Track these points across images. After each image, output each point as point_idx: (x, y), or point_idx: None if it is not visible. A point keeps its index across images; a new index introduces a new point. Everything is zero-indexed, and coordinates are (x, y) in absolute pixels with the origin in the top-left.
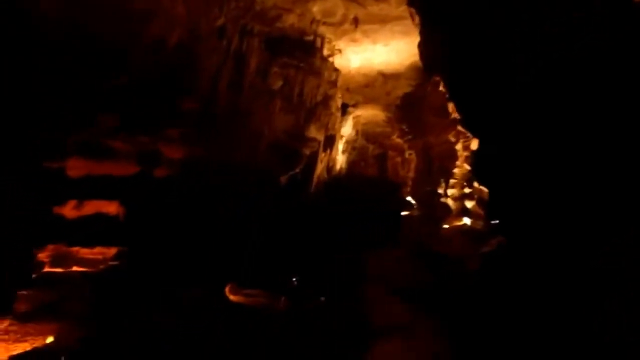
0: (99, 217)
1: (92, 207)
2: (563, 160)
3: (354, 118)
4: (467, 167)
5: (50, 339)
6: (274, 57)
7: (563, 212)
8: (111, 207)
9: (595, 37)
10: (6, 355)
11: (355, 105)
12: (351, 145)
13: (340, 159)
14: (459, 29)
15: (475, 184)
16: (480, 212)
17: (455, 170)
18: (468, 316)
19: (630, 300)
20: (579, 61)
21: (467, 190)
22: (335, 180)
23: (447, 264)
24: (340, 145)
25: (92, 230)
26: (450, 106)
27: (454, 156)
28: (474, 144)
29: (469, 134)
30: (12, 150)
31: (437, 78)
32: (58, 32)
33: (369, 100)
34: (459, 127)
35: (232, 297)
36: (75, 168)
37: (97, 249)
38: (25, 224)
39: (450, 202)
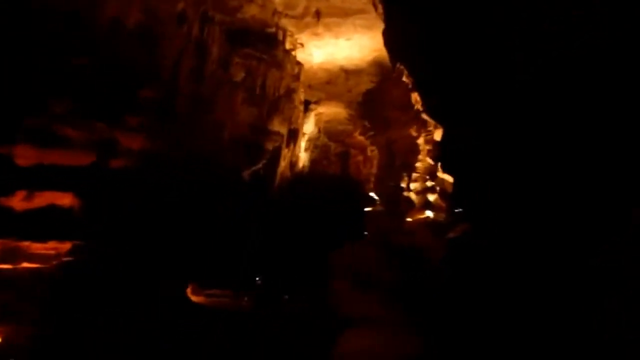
0: (52, 209)
1: (44, 198)
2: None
3: (316, 115)
4: (429, 161)
5: None
6: (236, 48)
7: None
8: (65, 199)
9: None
10: None
11: (317, 102)
12: (313, 143)
13: (303, 157)
14: (425, 15)
15: (440, 174)
16: (442, 204)
17: (418, 165)
18: (434, 305)
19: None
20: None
21: (429, 183)
22: (298, 178)
23: (412, 256)
24: (303, 143)
25: (44, 224)
26: (414, 96)
27: (415, 150)
28: (438, 135)
29: (430, 128)
30: None
31: (401, 67)
32: (5, 5)
33: (331, 97)
34: (424, 116)
35: (194, 298)
36: (25, 156)
37: (51, 244)
38: None
39: (413, 196)
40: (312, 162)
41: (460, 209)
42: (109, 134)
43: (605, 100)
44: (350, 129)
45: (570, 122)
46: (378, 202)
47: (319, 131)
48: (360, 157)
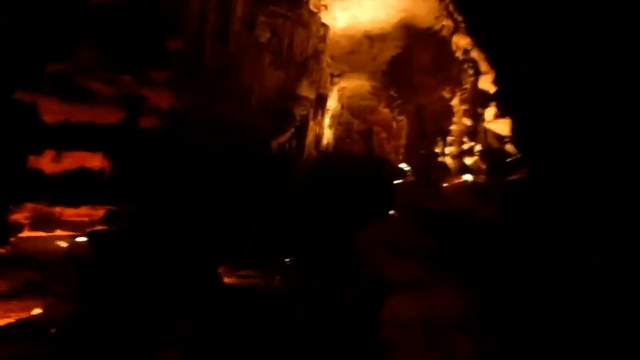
0: (82, 172)
1: (73, 159)
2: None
3: (338, 91)
4: (465, 122)
5: (37, 311)
6: (260, 5)
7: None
8: (95, 161)
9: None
10: None
11: (340, 75)
12: (337, 121)
13: (327, 134)
14: None
15: (487, 124)
16: (482, 166)
17: (452, 127)
18: (485, 268)
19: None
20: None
21: (465, 146)
22: (322, 156)
23: (451, 220)
24: (327, 120)
25: (75, 188)
26: (459, 41)
27: (449, 113)
28: (486, 81)
29: (467, 85)
30: None
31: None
32: None
33: (354, 69)
34: (474, 54)
35: (226, 279)
36: (51, 111)
37: (83, 209)
38: None
39: (448, 160)
40: (336, 140)
41: (517, 156)
42: (136, 89)
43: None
44: (373, 104)
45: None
46: (409, 173)
47: (342, 107)
48: (384, 134)
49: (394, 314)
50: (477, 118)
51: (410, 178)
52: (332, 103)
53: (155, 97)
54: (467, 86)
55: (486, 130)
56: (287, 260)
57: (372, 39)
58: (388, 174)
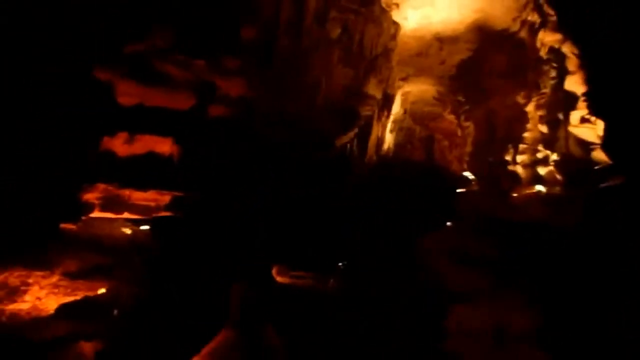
0: (152, 157)
1: (143, 143)
2: None
3: (402, 95)
4: (541, 129)
5: (102, 290)
6: (333, 0)
7: None
8: (164, 146)
9: None
10: (56, 305)
11: (405, 79)
12: (398, 126)
13: (388, 138)
14: None
15: (572, 128)
16: (559, 177)
17: (526, 135)
18: (559, 280)
19: None
20: None
21: (540, 155)
22: (383, 161)
23: (524, 230)
24: (389, 124)
25: (144, 172)
26: (545, 37)
27: (523, 119)
28: (574, 81)
29: (545, 90)
30: (59, 57)
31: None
32: None
33: (420, 72)
34: (565, 49)
35: (279, 279)
36: (127, 94)
37: (150, 193)
38: (73, 155)
39: (519, 169)
40: (397, 146)
41: (610, 162)
42: (209, 75)
43: None
44: (437, 110)
45: None
46: (473, 182)
47: (405, 112)
48: (446, 142)
49: (460, 324)
50: (556, 125)
51: (475, 187)
52: (395, 107)
53: (226, 86)
54: (546, 90)
55: (568, 137)
56: (340, 264)
57: (442, 40)
58: (449, 183)
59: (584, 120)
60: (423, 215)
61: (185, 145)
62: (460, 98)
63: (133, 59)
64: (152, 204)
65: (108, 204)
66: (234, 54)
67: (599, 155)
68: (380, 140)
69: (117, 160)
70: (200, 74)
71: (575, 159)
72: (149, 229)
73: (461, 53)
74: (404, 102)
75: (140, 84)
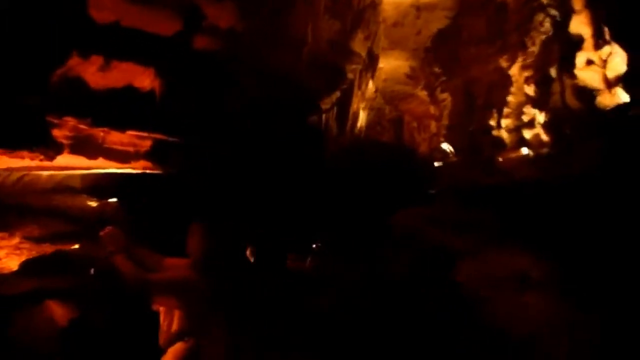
0: (130, 91)
1: (121, 73)
2: None
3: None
4: (527, 91)
5: (76, 246)
6: None
7: None
8: (145, 78)
9: None
10: (17, 263)
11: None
12: (369, 104)
13: (362, 117)
14: None
15: (578, 71)
16: (545, 139)
17: (510, 99)
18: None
19: None
20: None
21: (525, 118)
22: (355, 141)
23: (516, 191)
24: (367, 93)
25: (121, 109)
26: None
27: (506, 84)
28: (579, 22)
29: (532, 49)
30: None
31: None
32: None
33: (394, 45)
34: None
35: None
36: (103, 7)
37: (128, 135)
38: (33, 80)
39: (504, 134)
40: (367, 126)
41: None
42: None
43: None
44: (407, 90)
45: None
46: (451, 154)
47: (376, 90)
48: (415, 124)
49: (469, 276)
50: (547, 82)
51: (454, 159)
52: (370, 85)
53: (214, 12)
54: (534, 48)
55: (563, 91)
56: (315, 244)
57: (419, 8)
58: (420, 164)
59: (589, 62)
60: (394, 195)
61: (168, 80)
62: (437, 69)
63: None
64: (131, 149)
65: (79, 145)
66: None
67: (604, 100)
68: (355, 115)
69: (89, 92)
70: None
71: (569, 115)
72: (117, 201)
73: (438, 21)
74: (376, 79)
75: None
